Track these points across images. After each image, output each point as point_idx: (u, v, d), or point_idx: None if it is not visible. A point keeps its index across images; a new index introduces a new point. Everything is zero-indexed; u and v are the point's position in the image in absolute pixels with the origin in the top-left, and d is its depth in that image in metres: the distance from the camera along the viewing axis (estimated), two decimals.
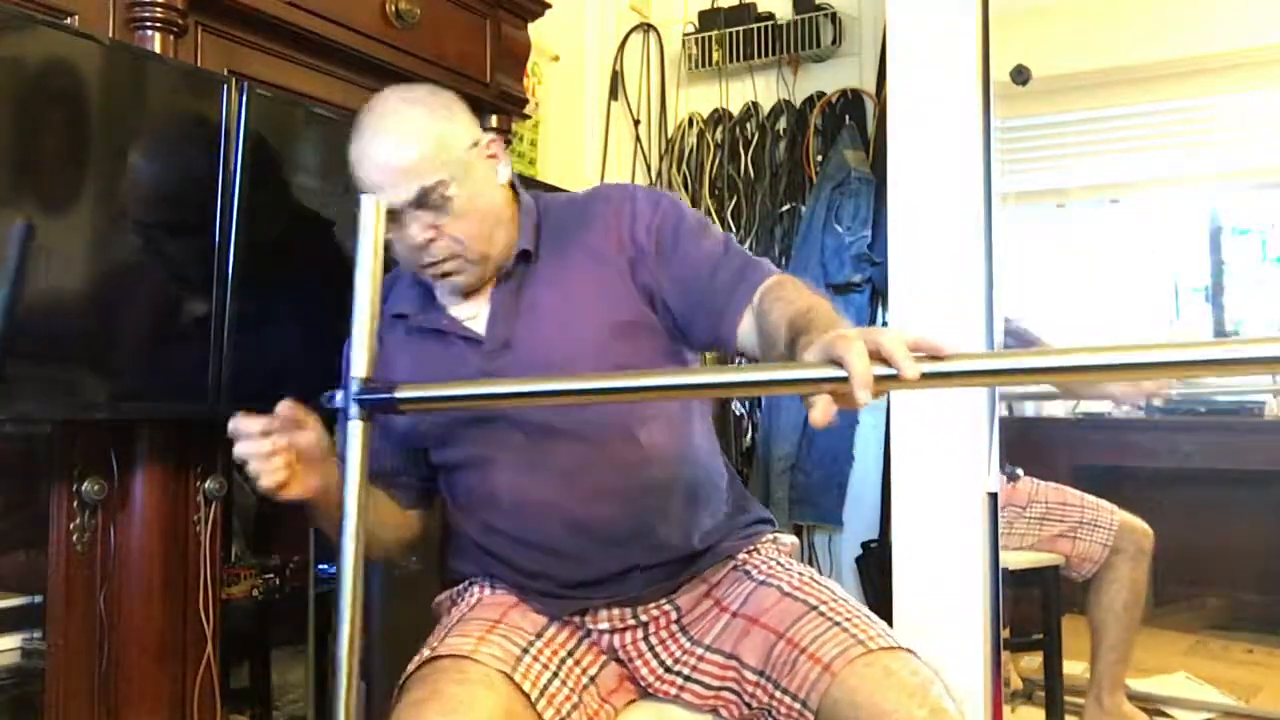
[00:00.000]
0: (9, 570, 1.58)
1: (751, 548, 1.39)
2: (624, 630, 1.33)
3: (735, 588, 1.34)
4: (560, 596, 1.32)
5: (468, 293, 1.36)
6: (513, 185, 1.40)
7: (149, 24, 1.53)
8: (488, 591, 1.39)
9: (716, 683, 1.28)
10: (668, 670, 1.32)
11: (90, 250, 1.41)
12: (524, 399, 1.14)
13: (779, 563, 1.36)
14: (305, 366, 1.70)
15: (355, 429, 1.05)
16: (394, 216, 1.26)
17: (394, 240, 1.30)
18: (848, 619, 1.21)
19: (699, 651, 1.30)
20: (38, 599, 1.51)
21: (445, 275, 1.33)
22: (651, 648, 1.33)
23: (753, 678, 1.24)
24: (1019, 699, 2.92)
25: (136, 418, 1.51)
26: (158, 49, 1.53)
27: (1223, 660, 3.36)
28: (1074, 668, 2.79)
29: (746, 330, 1.25)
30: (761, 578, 1.33)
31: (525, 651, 1.26)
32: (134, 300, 1.46)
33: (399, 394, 1.05)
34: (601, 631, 1.33)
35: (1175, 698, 2.90)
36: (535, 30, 2.35)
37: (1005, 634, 2.45)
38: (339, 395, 1.06)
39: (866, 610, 1.25)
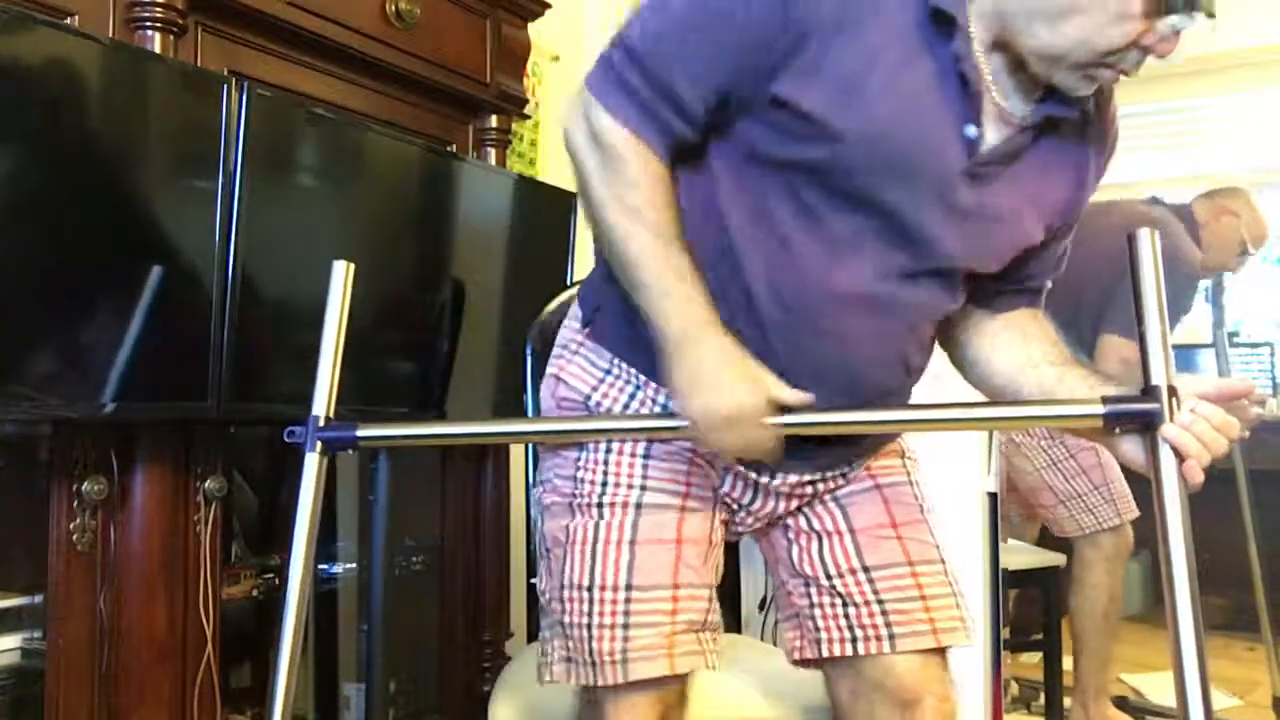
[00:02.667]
0: (9, 570, 1.57)
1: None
2: (794, 495, 1.28)
3: (888, 470, 1.33)
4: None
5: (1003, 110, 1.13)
6: None
7: (149, 24, 1.53)
8: (649, 467, 1.24)
9: (816, 531, 1.30)
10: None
11: (89, 250, 1.41)
12: (489, 439, 1.19)
13: (910, 453, 1.37)
14: (305, 366, 1.70)
15: (312, 462, 1.18)
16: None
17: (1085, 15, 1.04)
18: (959, 592, 1.29)
19: (826, 498, 1.30)
20: (38, 599, 1.51)
21: (1086, 80, 1.09)
22: (801, 509, 1.31)
23: (858, 565, 1.27)
24: (1017, 706, 2.92)
25: (136, 418, 1.51)
26: (158, 49, 1.53)
27: (1223, 658, 3.37)
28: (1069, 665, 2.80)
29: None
30: (912, 481, 1.34)
31: (705, 620, 1.24)
32: (134, 300, 1.46)
33: (360, 433, 1.19)
34: (776, 496, 1.28)
35: (1173, 699, 2.89)
36: (535, 30, 2.35)
37: (1005, 634, 2.46)
38: (300, 430, 1.17)
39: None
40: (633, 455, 1.23)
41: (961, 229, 1.15)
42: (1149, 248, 1.05)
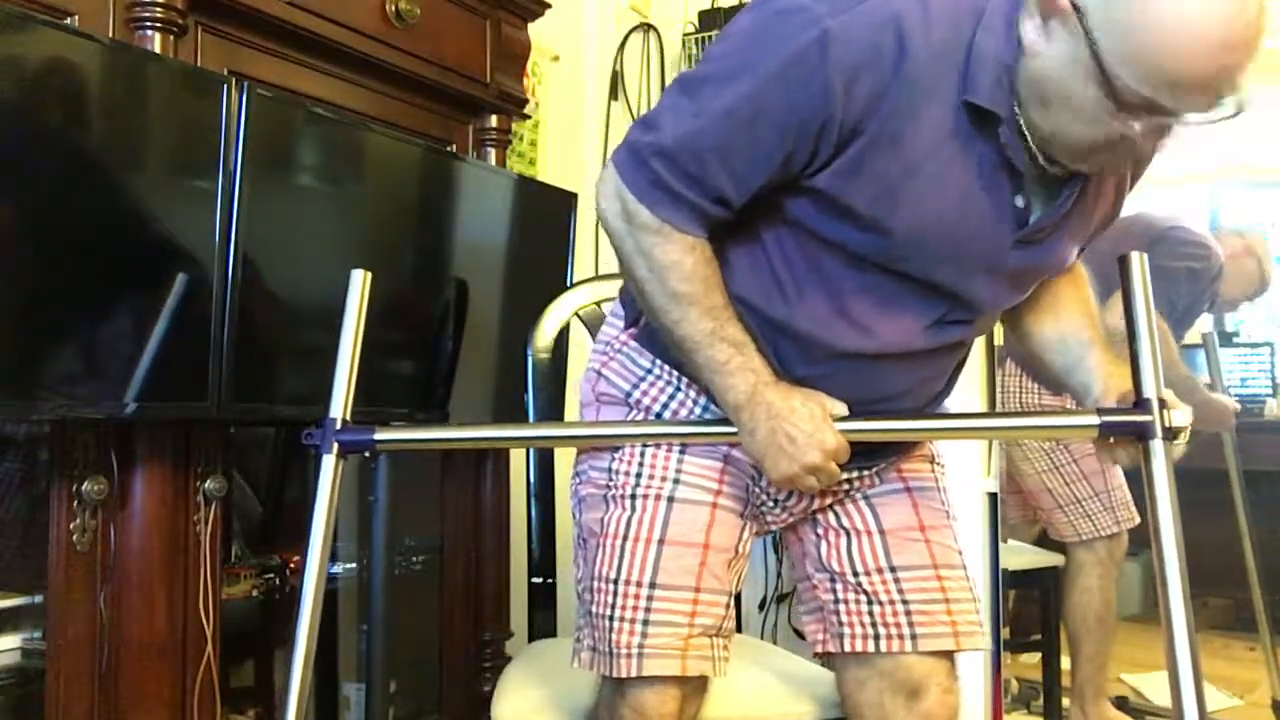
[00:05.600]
0: (9, 570, 1.57)
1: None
2: (828, 492, 1.29)
3: (919, 473, 1.35)
4: None
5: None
6: None
7: (149, 24, 1.53)
8: (683, 462, 1.27)
9: (845, 529, 1.32)
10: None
11: (89, 250, 1.41)
12: (510, 443, 1.21)
13: (939, 459, 1.40)
14: (306, 366, 1.70)
15: (329, 465, 1.21)
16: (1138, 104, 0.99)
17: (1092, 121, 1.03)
18: (976, 597, 1.32)
19: (856, 496, 1.32)
20: (38, 599, 1.51)
21: (1086, 165, 1.12)
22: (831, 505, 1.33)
23: (884, 564, 1.29)
24: (1017, 706, 2.92)
25: (136, 418, 1.51)
26: (158, 49, 1.53)
27: (1223, 658, 3.37)
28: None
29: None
30: (940, 487, 1.36)
31: (720, 626, 1.26)
32: (134, 300, 1.46)
33: (377, 436, 1.23)
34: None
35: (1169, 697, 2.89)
36: (535, 30, 2.35)
37: (1005, 634, 2.46)
38: (317, 433, 1.21)
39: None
40: (669, 449, 1.26)
41: (1009, 283, 1.22)
42: (1139, 269, 1.12)
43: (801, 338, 1.18)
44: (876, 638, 1.28)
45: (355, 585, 2.06)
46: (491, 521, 2.20)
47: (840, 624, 1.30)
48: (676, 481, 1.25)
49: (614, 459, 1.27)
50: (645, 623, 1.22)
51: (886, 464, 1.32)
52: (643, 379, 1.29)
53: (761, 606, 2.36)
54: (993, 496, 2.18)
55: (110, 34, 1.50)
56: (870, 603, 1.28)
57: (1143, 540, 2.69)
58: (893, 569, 1.29)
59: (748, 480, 1.29)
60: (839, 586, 1.31)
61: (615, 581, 1.24)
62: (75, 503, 1.47)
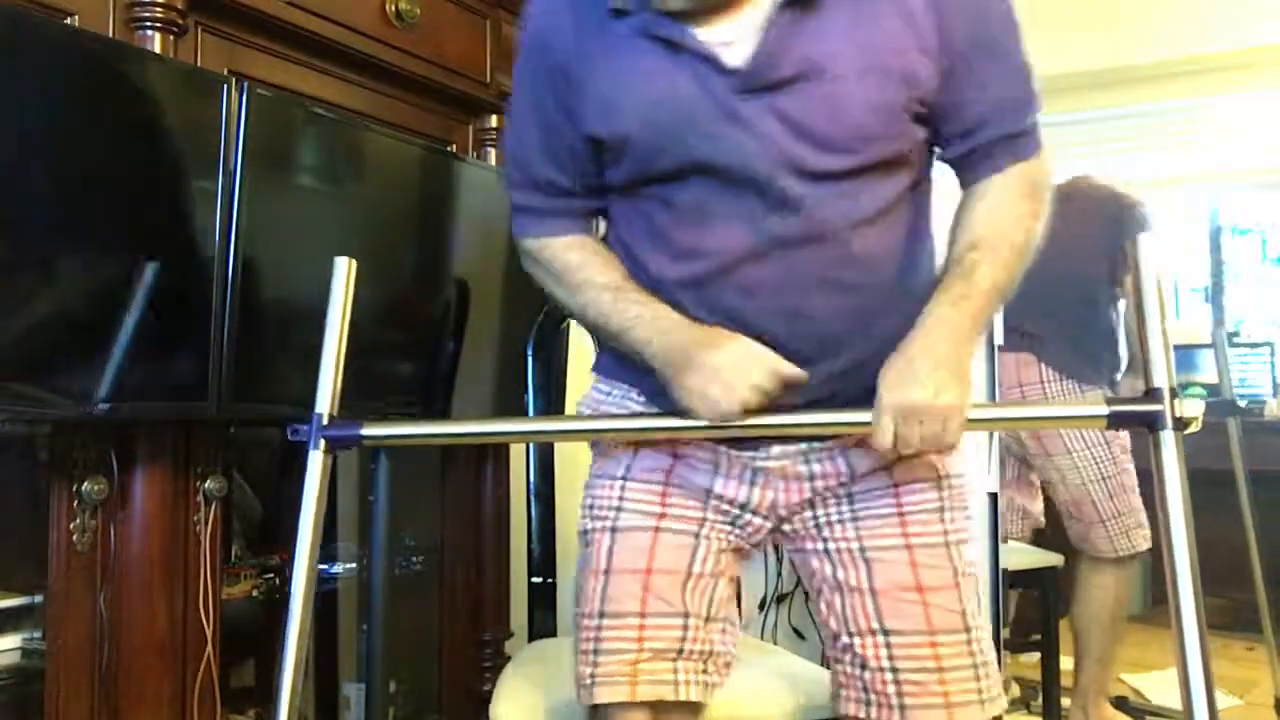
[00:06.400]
0: (9, 570, 1.58)
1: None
2: (791, 482, 1.24)
3: (918, 495, 1.25)
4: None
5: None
6: None
7: (149, 24, 1.53)
8: (633, 466, 1.27)
9: (839, 584, 1.26)
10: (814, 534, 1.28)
11: (90, 250, 1.41)
12: (497, 438, 1.22)
13: (960, 506, 1.29)
14: (305, 366, 1.70)
15: (316, 460, 1.20)
16: None
17: None
18: (982, 663, 1.24)
19: (855, 545, 1.25)
20: (38, 599, 1.51)
21: None
22: (813, 509, 1.27)
23: (878, 627, 1.23)
24: (1017, 706, 2.92)
25: (136, 418, 1.51)
26: (158, 49, 1.53)
27: (1223, 658, 3.37)
28: (1070, 665, 2.80)
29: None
30: (949, 542, 1.26)
31: (682, 649, 1.23)
32: (134, 300, 1.46)
33: (364, 431, 1.21)
34: (769, 480, 1.25)
35: (1172, 699, 2.89)
36: None
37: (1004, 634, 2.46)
38: (304, 429, 1.20)
39: (984, 633, 1.27)
40: (612, 479, 1.28)
41: (781, 138, 1.14)
42: (1149, 253, 1.10)
43: (675, 291, 1.21)
44: (868, 704, 1.23)
45: (355, 585, 2.06)
46: (491, 521, 2.20)
47: (837, 684, 1.27)
48: (619, 510, 1.26)
49: (583, 499, 1.32)
50: (596, 652, 1.23)
51: (871, 468, 1.24)
52: (601, 404, 1.32)
53: (761, 606, 2.36)
54: (993, 496, 2.18)
55: (110, 34, 1.50)
56: (863, 667, 1.23)
57: None
58: (885, 631, 1.22)
59: (702, 497, 1.26)
60: (836, 646, 1.27)
61: (578, 617, 1.27)
62: (75, 503, 1.47)
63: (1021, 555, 2.72)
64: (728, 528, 1.27)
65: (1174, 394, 1.07)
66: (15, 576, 1.55)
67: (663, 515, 1.25)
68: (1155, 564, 3.04)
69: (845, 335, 1.19)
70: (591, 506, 1.29)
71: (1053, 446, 2.64)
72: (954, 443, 1.13)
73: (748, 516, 1.27)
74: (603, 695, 1.22)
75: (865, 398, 1.13)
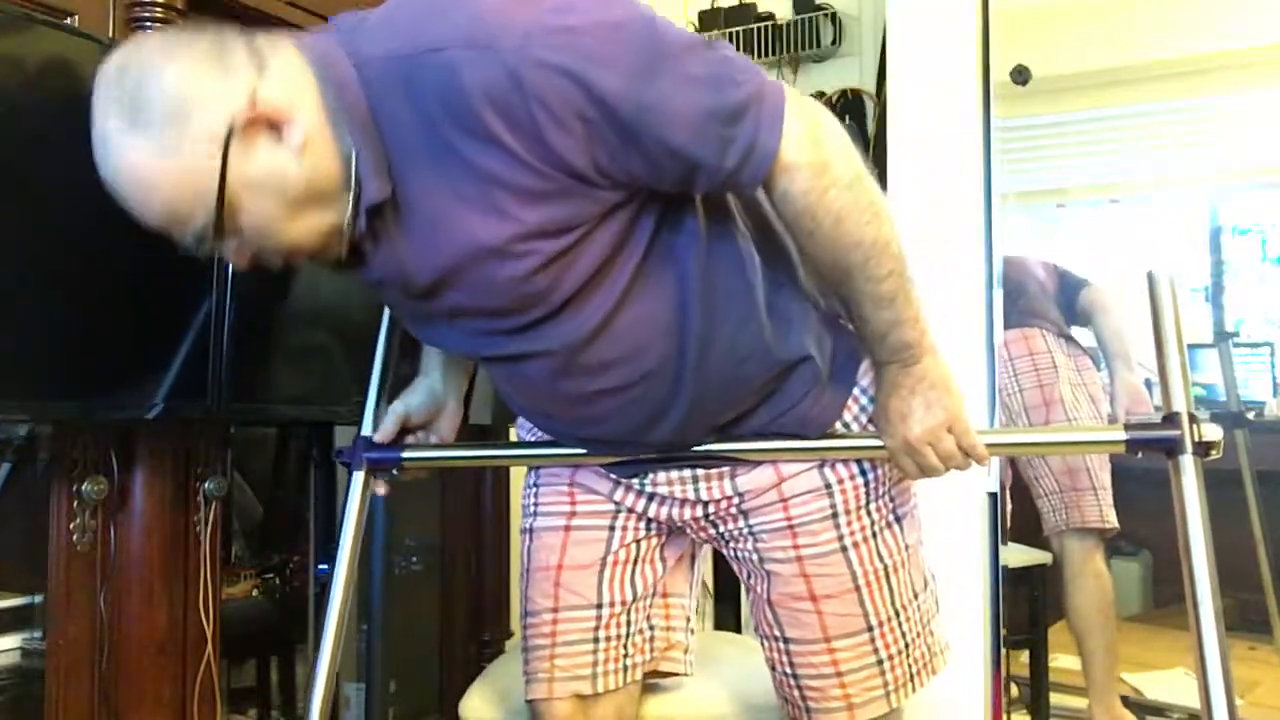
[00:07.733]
0: (9, 570, 1.58)
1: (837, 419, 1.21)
2: (684, 503, 1.24)
3: (806, 506, 1.21)
4: (617, 449, 1.21)
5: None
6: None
7: (149, 23, 1.53)
8: (543, 470, 1.33)
9: (750, 587, 1.29)
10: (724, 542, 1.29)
11: (90, 250, 1.41)
12: (547, 459, 1.28)
13: (863, 503, 1.23)
14: (305, 366, 1.70)
15: (359, 481, 1.25)
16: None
17: None
18: (889, 656, 1.23)
19: (755, 557, 1.25)
20: (38, 599, 1.51)
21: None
22: (715, 526, 1.26)
23: (778, 634, 1.26)
24: (1017, 706, 2.92)
25: (136, 418, 1.51)
26: None
27: None
28: (1068, 663, 2.80)
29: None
30: (845, 545, 1.22)
31: (596, 635, 1.27)
32: (134, 300, 1.46)
33: (405, 454, 1.26)
34: (663, 499, 1.24)
35: (1172, 697, 2.90)
36: None
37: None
38: (347, 450, 1.26)
39: (906, 618, 1.25)
40: (530, 486, 1.34)
41: (460, 319, 1.11)
42: (1167, 286, 1.13)
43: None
44: (786, 702, 1.28)
45: (355, 585, 2.06)
46: (491, 521, 2.20)
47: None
48: (535, 514, 1.31)
49: None
50: (525, 650, 1.30)
51: (759, 487, 1.22)
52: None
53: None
54: (993, 496, 2.18)
55: (110, 34, 1.50)
56: (772, 669, 1.28)
57: (1140, 540, 2.69)
58: (785, 640, 1.25)
59: (609, 488, 1.27)
60: (768, 625, 1.28)
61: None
62: (75, 503, 1.47)
63: (1015, 554, 2.71)
64: (643, 524, 1.30)
65: (1193, 419, 1.08)
66: (15, 576, 1.55)
67: (573, 514, 1.29)
68: (1156, 564, 3.05)
69: (650, 411, 1.14)
70: (523, 515, 1.34)
71: (1054, 414, 2.66)
72: (978, 451, 1.14)
73: (655, 506, 1.27)
74: (529, 692, 1.29)
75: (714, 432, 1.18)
